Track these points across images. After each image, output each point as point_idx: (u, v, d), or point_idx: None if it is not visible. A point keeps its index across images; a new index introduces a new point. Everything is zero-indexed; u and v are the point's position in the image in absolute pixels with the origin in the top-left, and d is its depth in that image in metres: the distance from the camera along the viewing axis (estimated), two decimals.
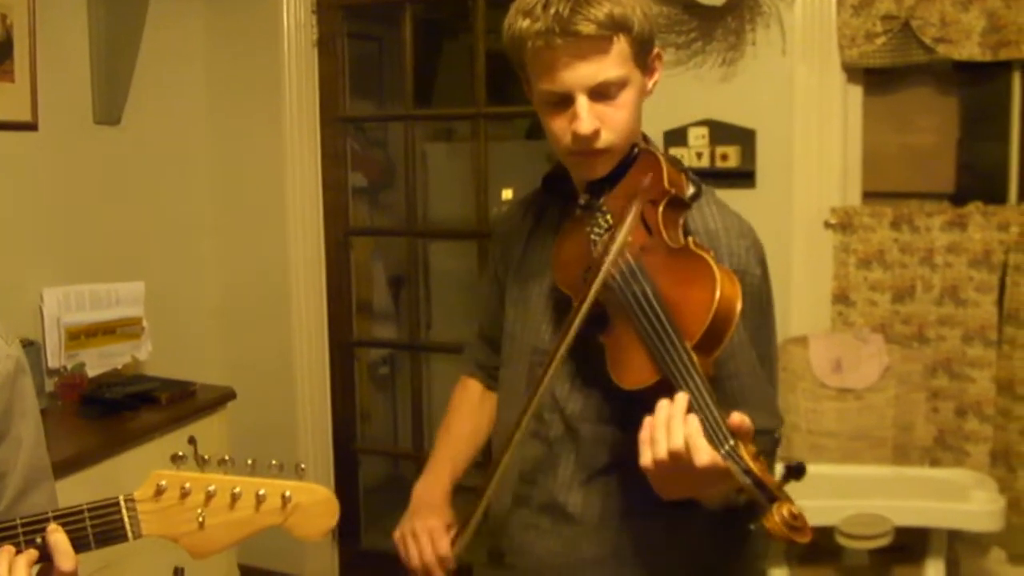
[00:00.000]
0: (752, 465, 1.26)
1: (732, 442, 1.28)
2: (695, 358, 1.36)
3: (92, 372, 3.39)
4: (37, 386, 3.03)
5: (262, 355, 4.13)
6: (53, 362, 3.33)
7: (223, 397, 3.50)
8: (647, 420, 1.36)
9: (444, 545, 1.75)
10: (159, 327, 3.68)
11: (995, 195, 3.22)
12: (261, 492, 1.33)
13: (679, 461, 1.31)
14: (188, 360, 3.86)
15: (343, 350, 4.18)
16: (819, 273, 3.29)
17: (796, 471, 1.27)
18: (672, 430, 1.32)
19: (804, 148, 3.28)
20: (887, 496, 2.91)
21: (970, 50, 3.05)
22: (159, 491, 1.32)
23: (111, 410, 3.17)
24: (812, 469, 3.17)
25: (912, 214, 3.18)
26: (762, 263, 1.65)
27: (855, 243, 3.23)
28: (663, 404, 1.35)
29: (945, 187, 3.42)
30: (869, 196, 3.38)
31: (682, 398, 1.34)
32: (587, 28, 1.49)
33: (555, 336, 1.65)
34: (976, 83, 3.38)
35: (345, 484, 4.22)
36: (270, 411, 4.07)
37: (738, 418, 1.31)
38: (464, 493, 1.85)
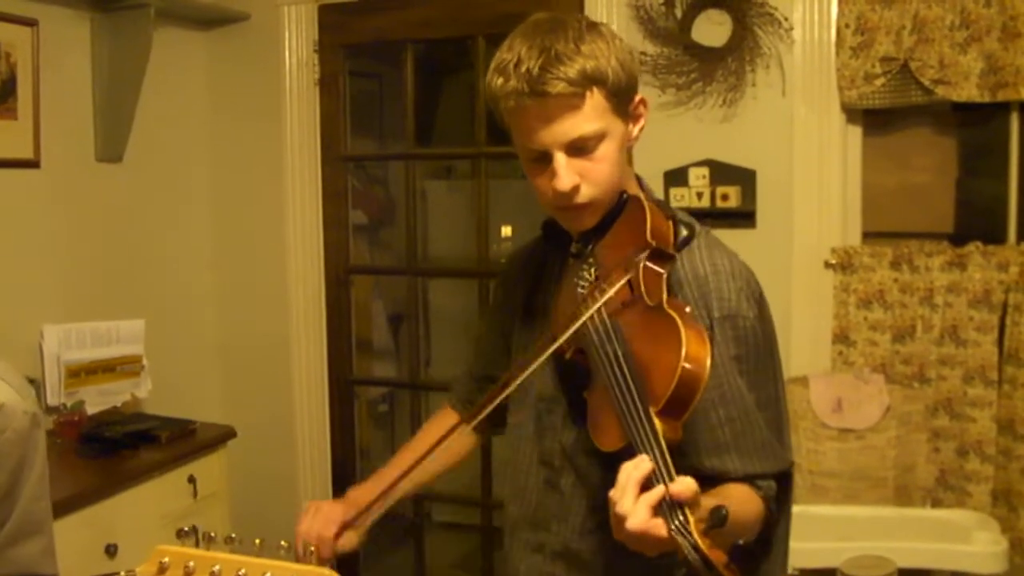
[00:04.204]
0: (700, 541, 1.23)
1: (683, 517, 1.25)
2: (658, 425, 1.32)
3: (92, 410, 3.38)
4: None
5: (262, 393, 4.12)
6: (52, 400, 3.32)
7: (223, 436, 3.49)
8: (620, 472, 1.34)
9: (328, 528, 1.84)
10: (159, 365, 3.67)
11: (994, 235, 3.23)
12: (267, 575, 1.27)
13: (622, 524, 1.29)
14: (188, 398, 3.86)
15: (343, 388, 4.17)
16: (819, 313, 3.29)
17: (743, 554, 1.30)
18: (626, 492, 1.29)
19: (804, 188, 3.29)
20: (889, 537, 2.90)
21: (968, 91, 3.06)
22: (162, 568, 1.27)
23: (110, 449, 3.16)
24: (814, 510, 3.18)
25: (912, 254, 3.18)
26: (758, 304, 1.63)
27: (855, 283, 3.24)
28: (629, 464, 1.32)
29: (944, 227, 3.43)
30: (869, 236, 3.39)
31: (645, 465, 1.30)
32: (556, 87, 1.48)
33: (558, 385, 1.65)
34: (974, 124, 3.39)
35: None
36: (270, 449, 4.06)
37: (677, 488, 1.27)
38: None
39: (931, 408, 3.18)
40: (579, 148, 1.54)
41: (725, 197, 3.31)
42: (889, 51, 3.12)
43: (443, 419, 2.05)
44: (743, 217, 3.32)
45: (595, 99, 1.52)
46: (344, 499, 1.92)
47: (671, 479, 1.28)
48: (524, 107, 1.51)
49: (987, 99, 3.06)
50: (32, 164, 3.37)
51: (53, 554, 1.57)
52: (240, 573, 1.26)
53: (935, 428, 3.19)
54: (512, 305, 1.89)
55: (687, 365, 1.33)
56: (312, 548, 1.33)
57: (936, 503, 3.18)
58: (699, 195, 3.32)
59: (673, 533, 1.25)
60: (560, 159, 1.53)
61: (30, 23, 3.31)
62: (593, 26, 1.57)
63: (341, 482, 4.16)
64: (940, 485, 3.19)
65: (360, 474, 4.33)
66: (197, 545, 1.29)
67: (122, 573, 1.29)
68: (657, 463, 1.29)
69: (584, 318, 1.48)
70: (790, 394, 3.19)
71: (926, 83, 3.10)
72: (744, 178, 3.31)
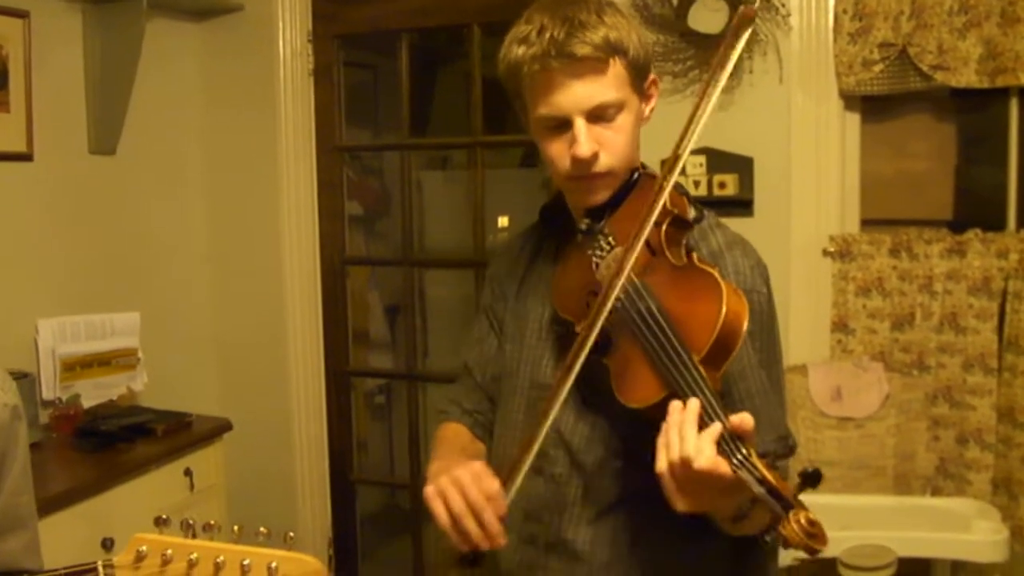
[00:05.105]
0: (766, 473, 1.23)
1: (745, 451, 1.25)
2: (703, 371, 1.34)
3: (87, 403, 3.37)
4: (32, 418, 3.03)
5: (258, 385, 4.10)
6: (48, 394, 3.31)
7: (219, 428, 3.48)
8: (664, 424, 1.33)
9: (494, 483, 1.50)
10: (155, 358, 3.66)
11: (993, 222, 3.21)
12: (246, 562, 1.25)
13: (686, 466, 1.28)
14: (184, 391, 3.84)
15: (339, 379, 4.16)
16: (818, 301, 3.27)
17: (812, 478, 1.23)
18: (684, 435, 1.29)
19: (802, 176, 3.27)
20: (889, 527, 2.88)
21: (967, 77, 3.04)
22: (139, 557, 1.27)
23: (106, 442, 3.15)
24: (813, 499, 3.15)
25: (911, 241, 3.17)
26: (767, 282, 1.64)
27: (854, 271, 3.22)
28: (675, 407, 1.32)
29: (943, 214, 3.41)
30: (867, 223, 3.37)
31: (694, 403, 1.31)
32: (583, 50, 1.50)
33: (558, 368, 1.62)
34: (973, 110, 3.37)
35: (342, 514, 4.19)
36: (266, 442, 4.04)
37: (738, 418, 1.28)
38: None
39: (931, 396, 3.17)
40: (599, 116, 1.55)
41: (722, 185, 3.28)
42: (887, 37, 3.10)
43: (454, 428, 1.92)
44: (741, 205, 3.29)
45: (617, 68, 1.55)
46: (456, 461, 1.60)
47: (727, 418, 1.29)
48: (549, 70, 1.52)
49: (986, 85, 3.04)
50: (25, 157, 3.35)
51: (37, 550, 1.56)
52: (218, 560, 1.26)
53: (935, 416, 3.17)
54: (504, 297, 1.86)
55: (728, 313, 1.36)
56: (292, 534, 1.30)
57: (936, 492, 3.17)
58: (696, 183, 3.29)
59: (736, 469, 1.24)
60: (580, 125, 1.54)
61: (21, 15, 3.29)
62: (610, 2, 1.60)
63: (338, 474, 4.16)
64: (940, 473, 3.18)
65: (358, 466, 4.32)
66: (193, 537, 1.29)
67: (99, 562, 1.28)
68: (709, 403, 1.31)
69: (618, 285, 1.47)
70: (789, 383, 3.18)
71: (925, 69, 3.08)
72: (741, 166, 3.29)
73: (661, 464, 1.31)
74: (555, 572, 1.68)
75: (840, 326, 3.25)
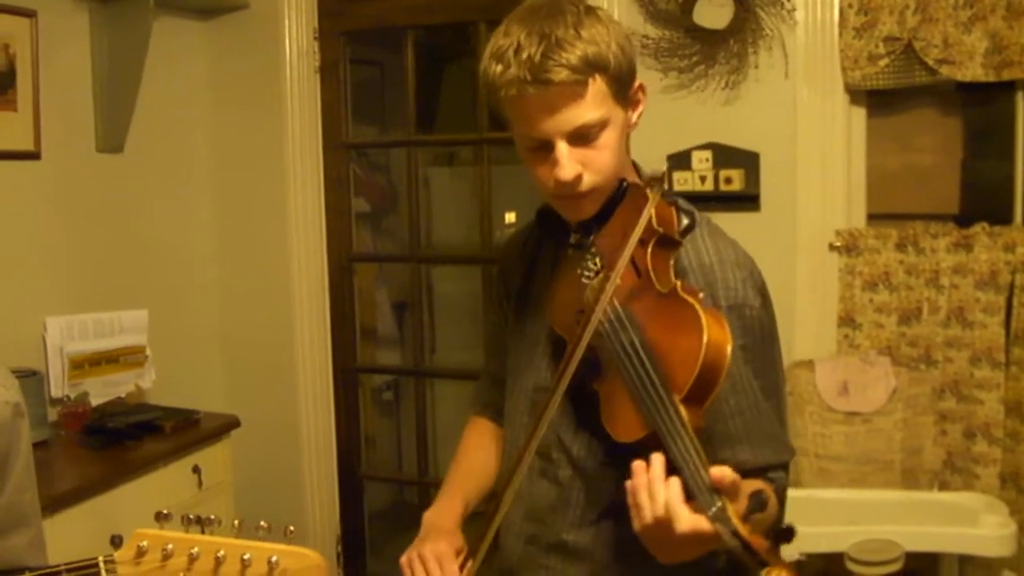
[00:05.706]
0: (740, 528, 1.20)
1: (720, 504, 1.23)
2: (683, 412, 1.30)
3: (95, 401, 3.37)
4: (40, 416, 3.04)
5: (266, 382, 4.11)
6: (56, 391, 3.32)
7: (227, 425, 3.49)
8: (629, 485, 1.32)
9: (453, 569, 1.64)
10: (163, 355, 3.67)
11: (1000, 216, 3.20)
12: (246, 556, 1.26)
13: (663, 527, 1.27)
14: (192, 388, 3.85)
15: (347, 376, 4.17)
16: (824, 296, 3.27)
17: (785, 534, 1.22)
18: (654, 495, 1.28)
19: (808, 171, 3.27)
20: (897, 521, 2.88)
21: (973, 71, 3.04)
22: (140, 552, 1.27)
23: (115, 440, 3.16)
24: (821, 494, 3.16)
25: (917, 236, 3.16)
26: (761, 292, 1.61)
27: (860, 265, 3.22)
28: (640, 469, 1.31)
29: (950, 208, 3.41)
30: (874, 218, 3.37)
31: (658, 461, 1.29)
32: (560, 75, 1.45)
33: (554, 376, 1.62)
34: (979, 103, 3.37)
35: (350, 510, 4.20)
36: (274, 438, 4.05)
37: (718, 472, 1.24)
38: (473, 521, 1.78)
39: (938, 390, 3.16)
40: (581, 136, 1.51)
41: (728, 180, 3.29)
42: (892, 31, 3.10)
43: (478, 428, 1.99)
44: (747, 200, 3.29)
45: (597, 86, 1.49)
46: (437, 530, 1.74)
47: (703, 466, 1.26)
48: (526, 96, 1.47)
49: (992, 78, 3.04)
50: (33, 156, 3.35)
51: (41, 547, 1.55)
52: (219, 555, 1.27)
53: (942, 411, 3.17)
54: (508, 294, 1.86)
55: (709, 349, 1.31)
56: (292, 528, 1.31)
57: (943, 486, 3.17)
58: (702, 179, 3.30)
59: (711, 521, 1.23)
60: (562, 148, 1.50)
61: (29, 14, 3.30)
62: (591, 11, 1.54)
63: (346, 470, 4.17)
64: (947, 468, 3.18)
65: (366, 462, 4.33)
66: (201, 531, 1.29)
67: (100, 557, 1.28)
68: (687, 451, 1.28)
69: (597, 312, 1.45)
70: (796, 378, 3.18)
71: (930, 63, 3.07)
72: (747, 161, 3.29)
73: (637, 526, 1.31)
74: (556, 571, 1.69)
75: (847, 321, 3.25)
